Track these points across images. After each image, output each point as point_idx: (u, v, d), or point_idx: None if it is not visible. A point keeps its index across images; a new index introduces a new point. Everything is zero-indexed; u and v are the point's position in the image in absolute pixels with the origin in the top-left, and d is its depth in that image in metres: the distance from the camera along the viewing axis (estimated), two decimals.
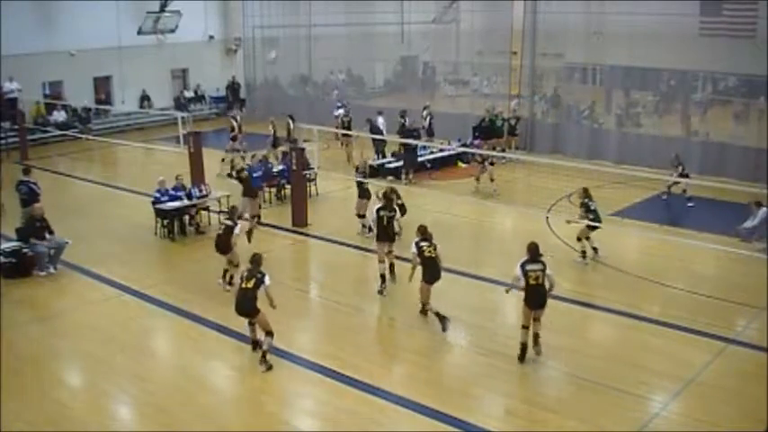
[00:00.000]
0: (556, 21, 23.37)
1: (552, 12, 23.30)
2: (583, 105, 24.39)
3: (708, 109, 22.31)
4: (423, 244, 11.33)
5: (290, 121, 23.17)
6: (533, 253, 10.31)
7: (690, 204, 17.65)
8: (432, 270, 11.34)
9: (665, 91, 23.79)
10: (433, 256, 11.31)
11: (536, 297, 10.26)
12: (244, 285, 10.31)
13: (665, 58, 21.45)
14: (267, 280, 10.32)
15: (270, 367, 10.28)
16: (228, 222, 12.98)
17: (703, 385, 9.88)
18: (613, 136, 22.79)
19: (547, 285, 10.32)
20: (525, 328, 10.39)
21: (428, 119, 23.27)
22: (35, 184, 16.02)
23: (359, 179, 16.17)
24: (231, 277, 12.92)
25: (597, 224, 13.86)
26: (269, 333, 10.36)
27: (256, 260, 10.50)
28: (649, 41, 20.99)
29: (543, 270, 10.25)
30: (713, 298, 12.63)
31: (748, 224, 14.64)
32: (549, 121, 24.61)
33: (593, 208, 14.02)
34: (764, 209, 14.43)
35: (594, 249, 14.29)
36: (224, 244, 12.92)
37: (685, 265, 14.24)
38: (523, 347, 10.40)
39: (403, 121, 22.74)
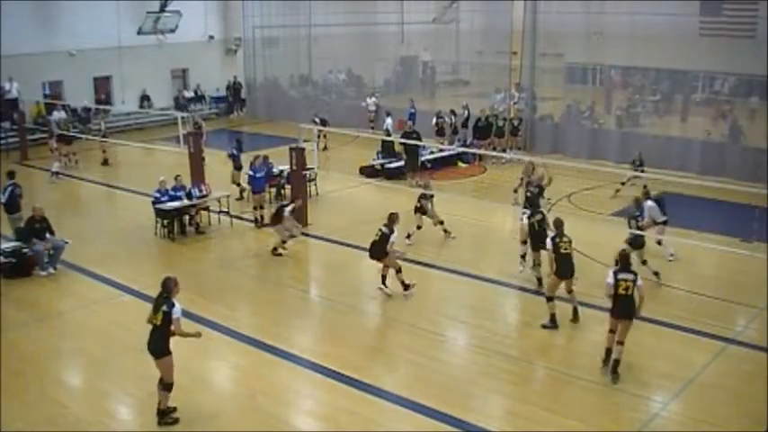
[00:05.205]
0: (556, 21, 23.38)
1: (552, 12, 23.32)
2: (583, 105, 24.40)
3: (708, 109, 22.32)
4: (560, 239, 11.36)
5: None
6: (624, 262, 9.94)
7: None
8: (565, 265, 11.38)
9: (665, 91, 23.81)
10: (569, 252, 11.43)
11: (623, 307, 9.87)
12: (152, 320, 8.60)
13: (665, 58, 21.46)
14: (177, 312, 8.52)
15: (175, 421, 8.91)
16: (384, 230, 12.44)
17: (703, 385, 9.88)
18: (614, 136, 22.77)
19: (636, 298, 9.87)
20: (612, 332, 10.01)
21: (453, 118, 23.81)
22: (19, 186, 15.64)
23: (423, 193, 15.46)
24: (384, 277, 12.79)
25: None
26: (166, 387, 8.77)
27: (166, 286, 8.63)
28: (649, 41, 21.00)
29: (634, 281, 9.81)
30: (713, 298, 12.63)
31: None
32: (549, 121, 24.61)
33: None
34: (650, 202, 13.83)
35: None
36: (378, 251, 12.54)
37: (685, 265, 14.23)
38: (608, 351, 10.10)
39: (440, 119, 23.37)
